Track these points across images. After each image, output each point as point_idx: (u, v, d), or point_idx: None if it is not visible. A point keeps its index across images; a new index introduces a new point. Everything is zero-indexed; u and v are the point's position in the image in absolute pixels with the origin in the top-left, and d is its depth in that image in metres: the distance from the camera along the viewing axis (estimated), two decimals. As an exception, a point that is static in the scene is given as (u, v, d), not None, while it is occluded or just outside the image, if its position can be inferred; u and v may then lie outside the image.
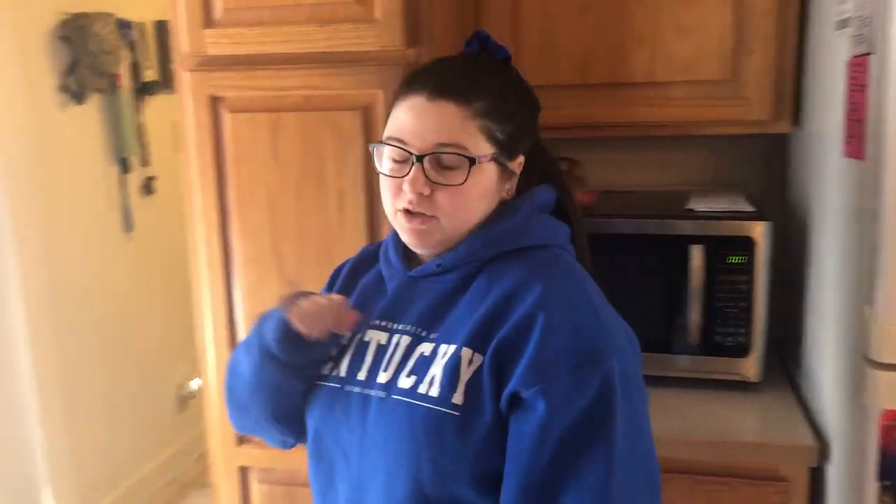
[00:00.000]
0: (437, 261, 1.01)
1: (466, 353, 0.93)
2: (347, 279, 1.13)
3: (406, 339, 1.00)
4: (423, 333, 0.99)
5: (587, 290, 0.97)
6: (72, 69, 2.48)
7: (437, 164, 0.96)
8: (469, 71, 1.00)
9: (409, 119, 0.97)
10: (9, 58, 2.27)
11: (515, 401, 0.91)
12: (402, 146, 0.96)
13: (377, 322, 1.03)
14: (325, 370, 1.05)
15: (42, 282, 2.37)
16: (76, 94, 2.52)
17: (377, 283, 1.09)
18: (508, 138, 0.99)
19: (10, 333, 2.29)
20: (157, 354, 2.98)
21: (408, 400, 0.95)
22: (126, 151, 2.75)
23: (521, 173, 1.03)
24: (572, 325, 0.92)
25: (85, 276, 2.61)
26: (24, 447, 2.32)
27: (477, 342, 0.94)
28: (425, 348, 0.97)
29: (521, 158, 1.02)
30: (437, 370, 0.95)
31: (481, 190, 0.98)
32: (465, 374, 0.93)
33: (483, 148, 0.97)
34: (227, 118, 1.42)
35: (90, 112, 2.63)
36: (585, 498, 0.87)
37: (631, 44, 1.58)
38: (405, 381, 0.96)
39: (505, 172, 1.01)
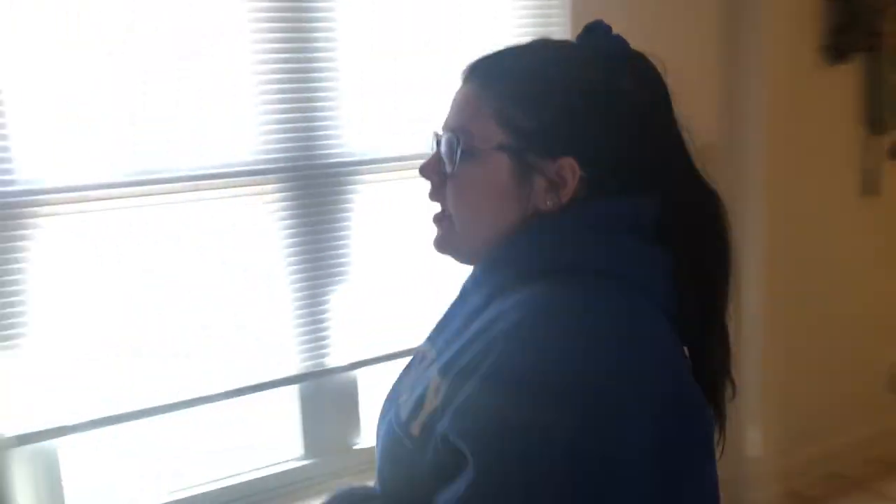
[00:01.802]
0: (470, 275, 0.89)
1: (435, 380, 0.79)
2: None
3: (431, 354, 0.88)
4: (437, 350, 0.87)
5: (584, 332, 0.72)
6: (841, 28, 2.50)
7: (447, 150, 0.84)
8: (512, 51, 0.86)
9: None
10: (779, 16, 2.41)
11: (446, 442, 0.73)
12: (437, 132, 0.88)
13: (433, 330, 0.94)
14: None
15: (781, 234, 2.50)
16: (838, 53, 2.53)
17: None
18: (540, 130, 0.81)
19: (754, 271, 2.48)
20: (874, 327, 2.86)
21: (389, 417, 0.86)
22: (880, 113, 2.66)
23: (599, 185, 0.82)
24: (526, 369, 0.71)
25: (817, 236, 2.65)
26: (743, 381, 2.52)
27: (448, 370, 0.78)
28: (431, 368, 0.84)
29: (566, 162, 0.81)
30: (419, 391, 0.82)
31: (486, 186, 0.83)
32: (429, 403, 0.78)
33: (492, 134, 0.82)
34: None
35: (847, 72, 2.62)
36: None
37: None
38: (403, 398, 0.85)
39: (526, 171, 0.82)
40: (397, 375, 0.97)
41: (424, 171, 0.89)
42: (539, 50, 0.87)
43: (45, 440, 1.58)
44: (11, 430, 1.54)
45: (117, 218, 1.58)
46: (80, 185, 1.55)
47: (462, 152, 0.83)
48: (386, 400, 0.94)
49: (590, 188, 0.82)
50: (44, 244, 1.53)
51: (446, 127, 0.87)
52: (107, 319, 1.60)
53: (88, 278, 1.58)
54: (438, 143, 0.87)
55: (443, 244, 0.89)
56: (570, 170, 0.81)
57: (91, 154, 1.54)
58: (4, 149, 1.48)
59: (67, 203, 1.54)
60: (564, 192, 0.82)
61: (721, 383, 0.87)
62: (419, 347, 0.94)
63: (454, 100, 0.88)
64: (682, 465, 0.72)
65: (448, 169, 0.85)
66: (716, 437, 0.80)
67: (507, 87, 0.83)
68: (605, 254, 0.80)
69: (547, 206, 0.82)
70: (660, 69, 0.86)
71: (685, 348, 0.82)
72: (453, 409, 0.73)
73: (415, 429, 0.80)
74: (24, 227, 1.51)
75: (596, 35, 0.86)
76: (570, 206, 0.82)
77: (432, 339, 0.92)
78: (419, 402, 0.80)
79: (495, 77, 0.84)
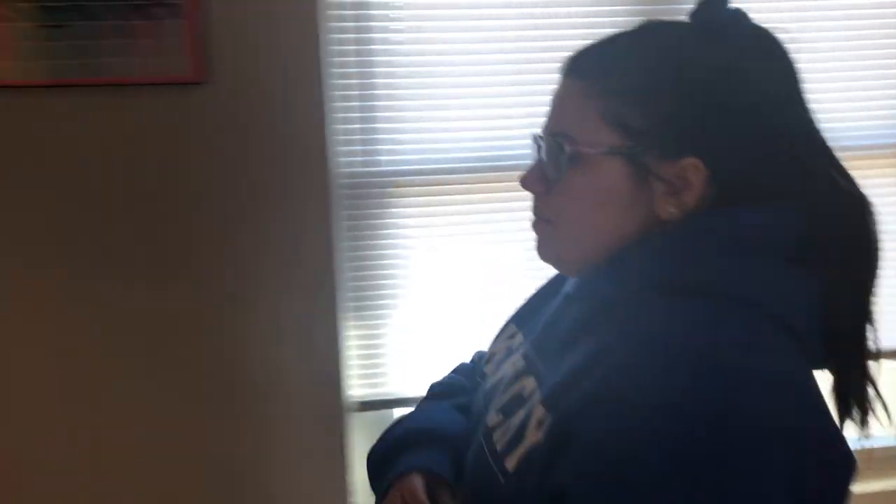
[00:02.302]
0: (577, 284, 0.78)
1: (539, 410, 0.69)
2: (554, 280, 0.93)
3: (521, 364, 0.80)
4: (535, 365, 0.77)
5: (707, 371, 0.60)
6: None
7: (551, 156, 0.75)
8: (617, 40, 0.75)
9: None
10: None
11: (559, 499, 0.63)
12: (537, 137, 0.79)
13: (523, 333, 0.87)
14: (487, 367, 0.92)
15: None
16: None
17: (556, 289, 0.88)
18: (656, 128, 0.70)
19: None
20: None
21: (481, 439, 0.77)
22: None
23: (722, 187, 0.70)
24: (635, 416, 0.59)
25: None
26: None
27: (553, 400, 0.68)
28: (527, 383, 0.76)
29: (688, 162, 0.70)
30: (518, 419, 0.73)
31: (598, 194, 0.72)
32: (531, 436, 0.69)
33: (602, 137, 0.71)
34: None
35: None
36: None
37: None
38: (492, 418, 0.77)
39: (643, 175, 0.71)
40: (488, 351, 0.93)
41: (527, 182, 0.79)
42: (646, 35, 0.75)
43: (386, 408, 1.73)
44: (357, 396, 1.70)
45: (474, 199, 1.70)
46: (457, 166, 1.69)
47: (569, 159, 0.73)
48: (480, 392, 0.88)
49: (720, 195, 0.71)
50: (410, 220, 1.69)
51: (547, 130, 0.77)
52: (461, 295, 1.70)
53: (448, 256, 1.70)
54: (540, 149, 0.78)
55: (546, 252, 0.79)
56: (693, 171, 0.70)
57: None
58: (389, 131, 1.65)
59: (431, 185, 1.68)
60: (689, 197, 0.70)
61: (865, 422, 0.72)
62: (510, 331, 0.91)
63: (554, 99, 0.78)
64: None
65: (553, 177, 0.75)
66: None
67: (613, 81, 0.72)
68: (738, 275, 0.67)
69: (669, 213, 0.71)
70: (789, 48, 0.73)
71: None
72: (574, 459, 0.63)
73: (510, 462, 0.70)
74: (393, 205, 1.67)
75: (711, 10, 0.74)
76: (696, 215, 0.71)
77: (522, 327, 0.89)
78: (518, 434, 0.71)
79: (599, 71, 0.74)
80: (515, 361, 0.82)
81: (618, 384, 0.62)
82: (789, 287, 0.68)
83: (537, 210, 0.79)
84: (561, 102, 0.76)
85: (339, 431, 1.67)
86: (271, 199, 1.60)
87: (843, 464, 0.64)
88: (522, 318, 0.91)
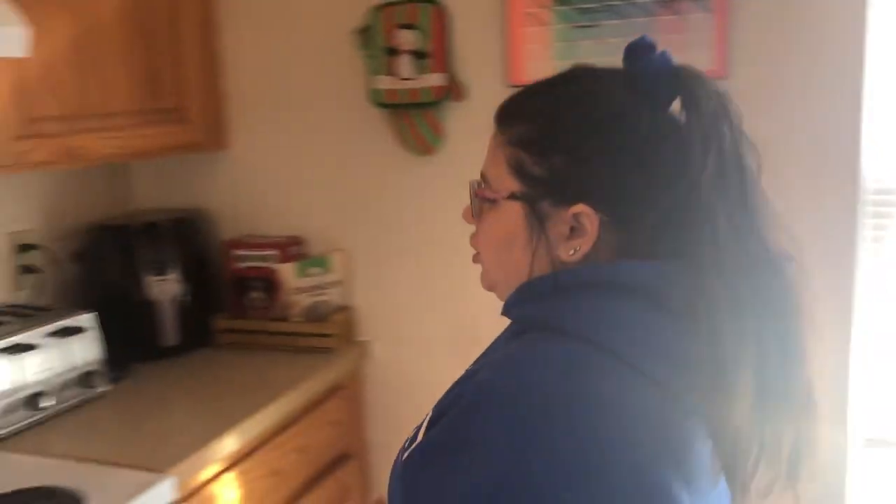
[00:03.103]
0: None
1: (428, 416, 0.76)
2: None
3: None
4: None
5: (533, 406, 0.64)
6: None
7: (472, 196, 0.81)
8: (533, 89, 0.79)
9: None
10: None
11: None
12: None
13: None
14: None
15: None
16: None
17: None
18: (553, 176, 0.74)
19: None
20: None
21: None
22: None
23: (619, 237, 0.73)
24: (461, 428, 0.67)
25: None
26: None
27: (436, 408, 0.74)
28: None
29: (581, 208, 0.72)
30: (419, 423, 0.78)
31: (500, 235, 0.78)
32: (420, 436, 0.74)
33: (506, 183, 0.77)
34: None
35: None
36: None
37: None
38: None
39: (538, 220, 0.75)
40: None
41: (465, 215, 0.85)
42: (560, 84, 0.78)
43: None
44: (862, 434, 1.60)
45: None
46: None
47: (482, 200, 0.80)
48: None
49: (617, 241, 0.74)
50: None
51: (481, 173, 0.82)
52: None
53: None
54: (470, 188, 0.83)
55: (482, 282, 0.85)
56: (586, 217, 0.73)
57: None
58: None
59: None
60: (584, 243, 0.73)
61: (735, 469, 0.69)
62: None
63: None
64: None
65: (473, 214, 0.82)
66: None
67: (518, 130, 0.77)
68: (591, 320, 0.71)
69: (569, 256, 0.74)
70: (723, 93, 0.72)
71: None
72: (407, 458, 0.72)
73: (404, 455, 0.75)
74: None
75: (637, 56, 0.75)
76: (591, 260, 0.74)
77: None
78: (416, 432, 0.77)
79: (510, 121, 0.79)
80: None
81: (472, 391, 0.69)
82: (651, 335, 0.69)
83: (472, 244, 0.84)
84: (489, 148, 0.81)
85: (842, 469, 1.49)
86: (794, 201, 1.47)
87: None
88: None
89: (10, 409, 1.47)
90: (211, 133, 1.92)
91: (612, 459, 0.63)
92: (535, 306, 0.76)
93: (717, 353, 0.67)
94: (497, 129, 0.80)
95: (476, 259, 0.85)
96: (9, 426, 1.46)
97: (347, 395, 1.88)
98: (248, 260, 1.94)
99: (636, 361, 0.68)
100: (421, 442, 0.72)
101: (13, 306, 1.69)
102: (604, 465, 0.63)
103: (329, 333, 1.87)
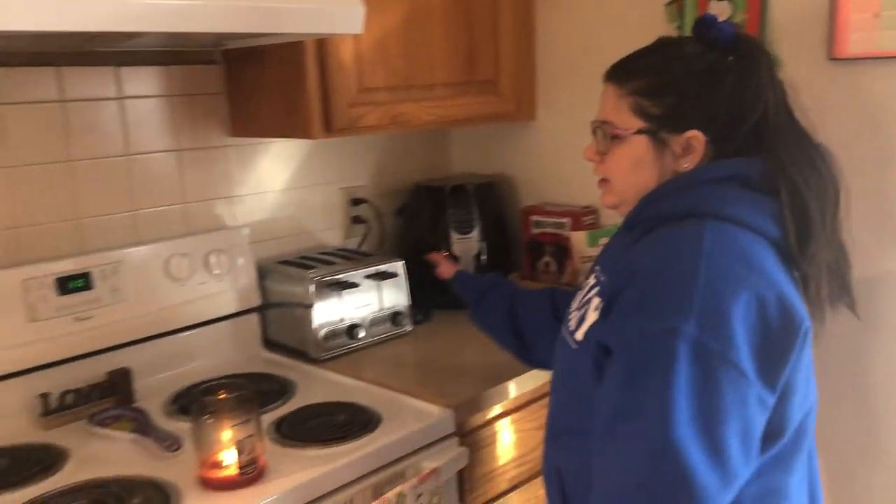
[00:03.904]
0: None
1: (595, 301, 1.06)
2: None
3: (592, 281, 1.14)
4: (601, 278, 1.11)
5: (700, 256, 0.92)
6: None
7: (601, 137, 1.10)
8: (639, 54, 1.10)
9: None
10: None
11: (603, 348, 0.99)
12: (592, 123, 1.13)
13: (595, 266, 1.20)
14: None
15: None
16: None
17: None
18: (667, 114, 1.04)
19: None
20: None
21: (564, 336, 1.14)
22: None
23: (722, 148, 1.03)
24: (658, 285, 0.94)
25: None
26: None
27: (605, 292, 1.03)
28: (594, 291, 1.09)
29: (691, 134, 1.03)
30: (584, 310, 1.09)
31: (631, 160, 1.07)
32: (590, 318, 1.05)
33: (630, 123, 1.06)
34: None
35: None
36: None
37: None
38: (573, 320, 1.12)
39: (661, 145, 1.05)
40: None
41: (587, 154, 1.14)
42: (659, 49, 1.09)
43: None
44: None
45: None
46: None
47: (612, 138, 1.08)
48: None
49: (715, 152, 1.04)
50: None
51: (599, 119, 1.11)
52: None
53: None
54: (594, 132, 1.12)
55: (607, 201, 1.15)
56: (695, 140, 1.03)
57: None
58: None
59: None
60: (693, 157, 1.04)
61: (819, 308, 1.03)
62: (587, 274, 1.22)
63: (600, 97, 1.11)
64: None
65: (604, 150, 1.11)
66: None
67: (637, 83, 1.06)
68: (718, 201, 1.00)
69: (683, 168, 1.05)
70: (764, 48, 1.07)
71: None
72: (608, 322, 0.99)
73: (578, 335, 1.08)
74: None
75: (708, 27, 1.05)
76: (699, 166, 1.04)
77: (593, 268, 1.20)
78: (582, 317, 1.08)
79: (627, 77, 1.07)
80: (590, 282, 1.15)
81: (648, 264, 0.98)
82: (753, 206, 1.00)
83: (597, 173, 1.14)
84: (604, 100, 1.11)
85: None
86: None
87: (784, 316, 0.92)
88: (599, 257, 1.22)
89: (333, 336, 1.73)
90: (520, 105, 2.04)
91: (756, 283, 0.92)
92: (668, 203, 1.03)
93: (798, 211, 0.99)
94: (613, 84, 1.09)
95: (602, 185, 1.14)
96: (331, 350, 1.73)
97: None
98: (543, 226, 2.04)
99: (756, 224, 0.97)
100: (625, 302, 0.96)
101: (343, 250, 1.97)
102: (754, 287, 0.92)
103: (615, 303, 1.90)
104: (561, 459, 1.12)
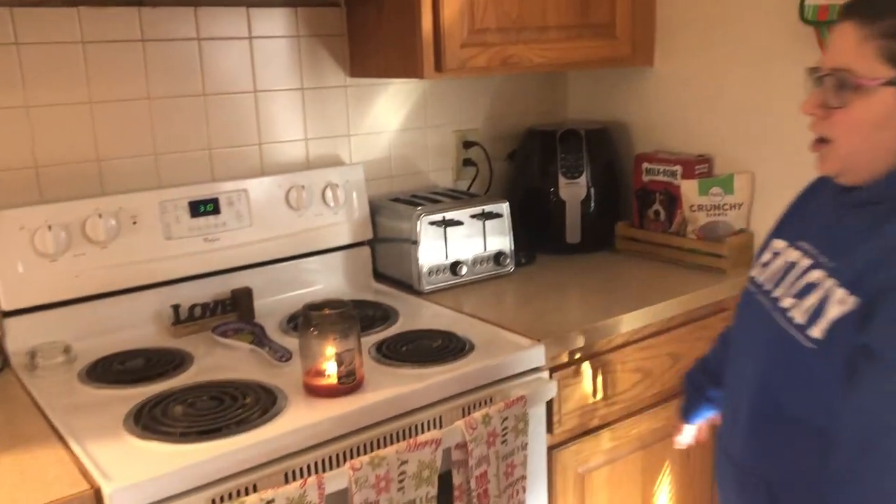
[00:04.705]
0: (859, 192, 0.95)
1: (838, 292, 0.90)
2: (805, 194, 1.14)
3: (806, 262, 0.99)
4: (822, 260, 0.96)
5: None
6: None
7: (833, 87, 0.92)
8: None
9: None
10: None
11: (865, 350, 0.86)
12: (814, 69, 0.95)
13: (796, 241, 1.04)
14: (753, 271, 1.14)
15: None
16: None
17: (818, 204, 1.06)
18: None
19: None
20: None
21: (778, 320, 0.99)
22: None
23: None
24: None
25: None
26: None
27: (856, 284, 0.88)
28: (817, 276, 0.95)
29: None
30: (813, 300, 0.94)
31: (873, 118, 0.90)
32: (833, 310, 0.90)
33: (878, 71, 0.88)
34: None
35: None
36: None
37: None
38: (787, 302, 0.99)
39: None
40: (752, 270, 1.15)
41: (807, 108, 0.97)
42: None
43: None
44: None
45: None
46: None
47: (850, 89, 0.91)
48: (750, 295, 1.12)
49: None
50: None
51: (829, 65, 0.93)
52: None
53: None
54: (819, 81, 0.95)
55: (828, 167, 0.99)
56: None
57: None
58: None
59: None
60: None
61: None
62: (776, 245, 1.10)
63: (833, 38, 0.94)
64: None
65: (835, 104, 0.93)
66: None
67: (891, 23, 0.87)
68: None
69: None
70: None
71: None
72: (879, 324, 0.84)
73: (815, 331, 0.92)
74: None
75: None
76: None
77: (783, 236, 1.09)
78: (818, 310, 0.93)
79: (877, 16, 0.88)
80: (796, 260, 1.02)
81: None
82: None
83: (817, 132, 0.98)
84: (841, 42, 0.92)
85: None
86: None
87: None
88: (781, 230, 1.12)
89: (437, 271, 1.82)
90: (637, 49, 2.02)
91: None
92: None
93: None
94: (854, 23, 0.91)
95: (820, 146, 0.99)
96: (436, 283, 1.81)
97: (731, 317, 1.88)
98: (654, 174, 2.02)
99: None
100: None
101: (453, 191, 2.04)
102: None
103: (722, 255, 1.88)
104: (777, 452, 1.01)
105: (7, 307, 1.47)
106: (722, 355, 1.27)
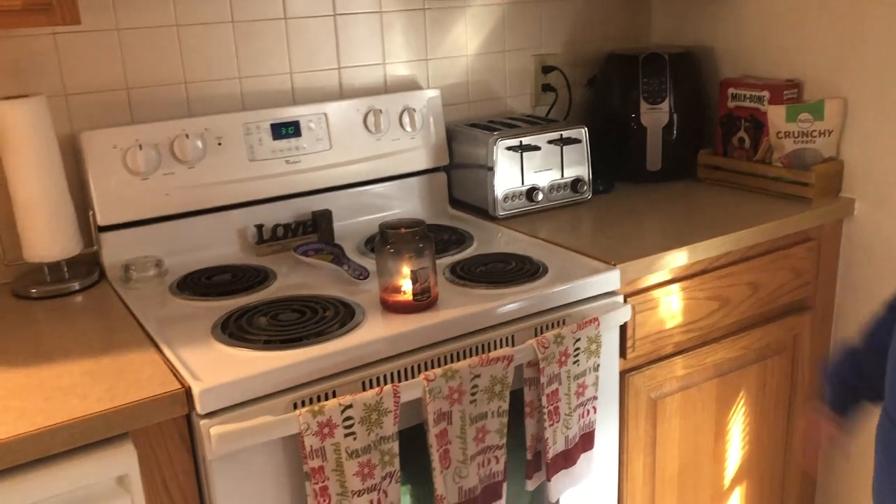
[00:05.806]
0: None
1: None
2: None
3: None
4: None
5: None
6: None
7: None
8: None
9: None
10: None
11: None
12: None
13: None
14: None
15: None
16: None
17: None
18: None
19: None
20: None
21: None
22: None
23: None
24: None
25: None
26: None
27: None
28: None
29: None
30: None
31: None
32: None
33: None
34: None
35: None
36: None
37: None
38: None
39: None
40: None
41: None
42: None
43: None
44: None
45: None
46: None
47: None
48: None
49: None
50: None
51: None
52: None
53: None
54: None
55: None
56: None
57: None
58: None
59: None
60: None
61: None
62: None
63: None
64: None
65: None
66: None
67: None
68: None
69: None
70: None
71: None
72: None
73: None
74: None
75: None
76: None
77: None
78: None
79: None
80: None
81: None
82: None
83: None
84: None
85: None
86: None
87: None
88: None
89: (514, 196, 1.81)
90: (727, -31, 1.93)
91: None
92: None
93: None
94: None
95: None
96: (511, 209, 1.82)
97: (816, 247, 1.83)
98: (740, 99, 1.95)
99: None
100: None
101: (531, 117, 2.02)
102: None
103: (808, 183, 1.81)
104: None
105: (102, 222, 1.56)
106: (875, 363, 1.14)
